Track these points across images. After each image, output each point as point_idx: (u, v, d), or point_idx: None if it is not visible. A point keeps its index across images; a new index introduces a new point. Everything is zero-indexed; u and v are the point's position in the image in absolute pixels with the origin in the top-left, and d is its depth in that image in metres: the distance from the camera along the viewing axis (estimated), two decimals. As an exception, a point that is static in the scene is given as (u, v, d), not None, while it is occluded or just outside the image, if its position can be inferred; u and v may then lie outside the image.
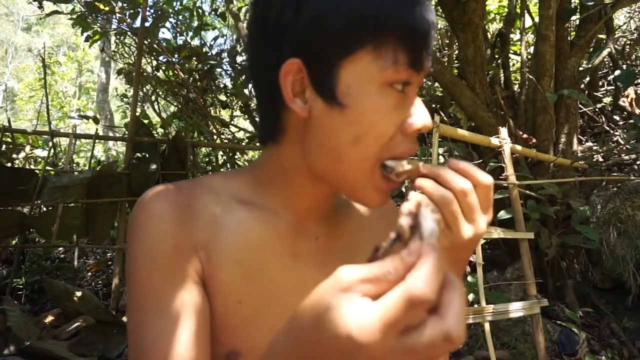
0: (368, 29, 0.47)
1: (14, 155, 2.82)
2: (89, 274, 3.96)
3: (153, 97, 4.78)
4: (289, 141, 0.55)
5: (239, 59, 4.50)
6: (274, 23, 0.51)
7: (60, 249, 4.17)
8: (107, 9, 3.50)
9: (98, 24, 3.88)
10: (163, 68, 4.43)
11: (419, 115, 0.51)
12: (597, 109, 4.34)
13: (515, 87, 4.08)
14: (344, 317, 0.31)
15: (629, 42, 5.18)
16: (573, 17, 3.40)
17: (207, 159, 5.10)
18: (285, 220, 0.58)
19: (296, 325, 0.37)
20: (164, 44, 4.32)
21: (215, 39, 5.07)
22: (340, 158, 0.51)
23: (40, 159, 4.12)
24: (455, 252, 0.48)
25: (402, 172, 0.49)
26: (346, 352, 0.31)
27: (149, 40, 3.88)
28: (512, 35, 4.48)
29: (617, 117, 4.39)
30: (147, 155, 2.86)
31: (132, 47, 4.69)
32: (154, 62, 4.38)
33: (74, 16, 3.60)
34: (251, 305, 0.55)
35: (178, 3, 4.58)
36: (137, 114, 3.16)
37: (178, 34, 4.55)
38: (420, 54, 0.49)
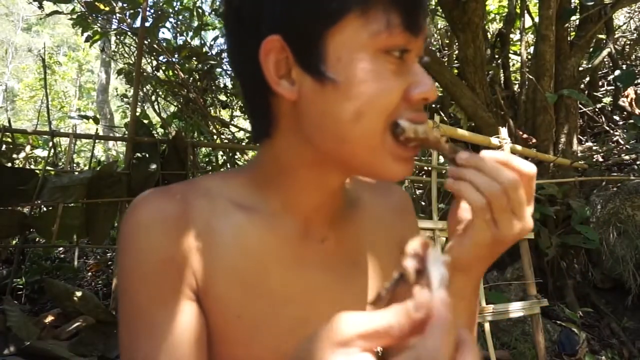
0: None
1: (14, 155, 2.82)
2: (89, 274, 3.96)
3: (153, 97, 4.78)
4: (283, 133, 0.50)
5: (239, 59, 4.49)
6: (248, 2, 0.47)
7: (60, 249, 4.17)
8: (107, 9, 3.50)
9: (98, 24, 3.88)
10: (163, 68, 4.43)
11: (424, 83, 0.46)
12: (597, 109, 4.34)
13: (515, 87, 4.08)
14: None
15: (629, 42, 5.18)
16: (573, 17, 3.40)
17: (207, 159, 5.10)
18: (287, 223, 0.54)
19: None
20: (164, 44, 4.32)
21: (215, 39, 5.07)
22: (344, 138, 0.46)
23: (40, 159, 4.12)
24: (497, 247, 0.47)
25: (414, 138, 0.45)
26: None
27: (149, 40, 3.88)
28: (512, 35, 4.48)
29: (617, 117, 4.40)
30: (147, 155, 2.86)
31: (132, 47, 4.69)
32: (154, 62, 4.38)
33: (74, 16, 3.60)
34: (251, 319, 0.51)
35: (178, 3, 4.59)
36: (137, 114, 3.16)
37: (178, 34, 4.56)
38: (416, 13, 0.45)
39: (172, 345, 0.46)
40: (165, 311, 0.47)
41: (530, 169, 0.44)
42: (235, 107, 5.01)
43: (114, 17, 3.82)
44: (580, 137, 4.08)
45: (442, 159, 3.33)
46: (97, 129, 4.04)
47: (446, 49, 5.30)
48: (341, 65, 0.44)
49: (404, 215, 0.66)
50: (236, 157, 4.64)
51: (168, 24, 4.39)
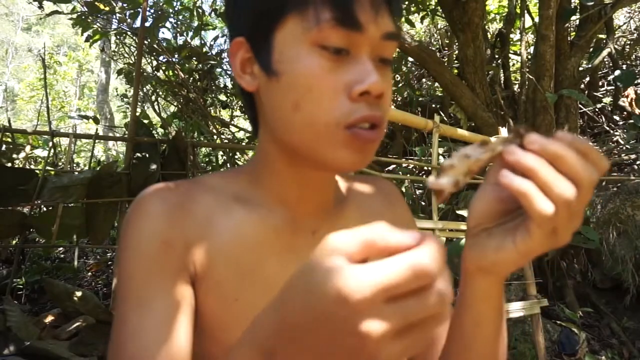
0: None
1: (14, 155, 2.82)
2: (89, 274, 3.96)
3: (153, 97, 4.78)
4: (262, 129, 0.56)
5: (239, 59, 4.49)
6: (228, 10, 0.55)
7: (60, 249, 4.17)
8: (107, 9, 3.50)
9: (98, 24, 3.88)
10: (163, 68, 4.43)
11: (365, 78, 0.47)
12: (597, 109, 4.34)
13: (515, 87, 4.08)
14: (336, 274, 0.29)
15: (629, 42, 5.18)
16: (573, 17, 3.40)
17: (207, 159, 5.10)
18: (279, 216, 0.57)
19: (283, 293, 0.35)
20: (164, 44, 4.32)
21: (215, 39, 5.07)
22: (288, 128, 0.50)
23: (40, 159, 4.12)
24: (544, 250, 0.41)
25: (456, 187, 0.37)
26: (329, 311, 0.29)
27: (149, 40, 3.88)
28: (512, 35, 4.48)
29: (617, 117, 4.40)
30: (147, 155, 2.85)
31: (132, 47, 4.69)
32: (154, 62, 4.38)
33: (74, 16, 3.60)
34: (248, 302, 0.54)
35: (178, 3, 4.59)
36: (137, 114, 3.16)
37: (178, 34, 4.55)
38: (349, 8, 0.46)
39: (160, 320, 0.48)
40: (158, 288, 0.50)
41: (604, 163, 0.37)
42: (235, 107, 5.01)
43: (114, 17, 3.82)
44: (581, 137, 4.08)
45: (441, 159, 3.33)
46: (97, 129, 4.04)
47: (446, 49, 5.30)
48: (283, 60, 0.49)
49: (392, 207, 0.68)
50: (236, 157, 4.64)
51: (168, 24, 4.39)
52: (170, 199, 0.54)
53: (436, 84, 4.93)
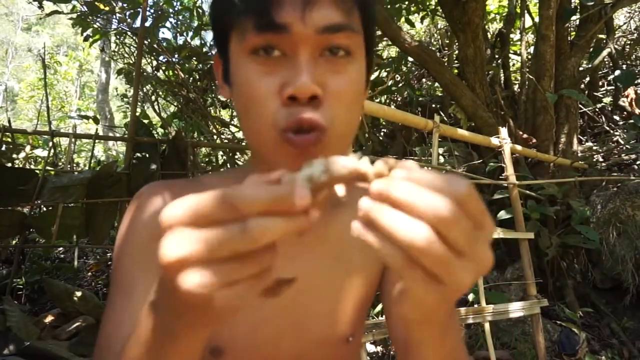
0: (226, 12, 0.51)
1: (14, 155, 2.82)
2: (89, 274, 3.96)
3: (153, 97, 4.77)
4: None
5: (239, 59, 4.50)
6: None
7: (60, 249, 4.17)
8: (107, 9, 3.49)
9: (98, 24, 3.88)
10: (163, 68, 4.43)
11: (294, 80, 0.46)
12: (597, 109, 4.34)
13: (515, 87, 4.08)
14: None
15: (629, 42, 5.18)
16: (573, 17, 3.40)
17: (207, 159, 5.10)
18: None
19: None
20: (164, 44, 4.32)
21: (215, 39, 5.06)
22: (246, 134, 0.54)
23: (40, 159, 4.12)
24: (450, 296, 0.34)
25: (319, 185, 0.32)
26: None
27: (149, 40, 3.88)
28: (512, 35, 4.48)
29: (617, 117, 4.39)
30: (147, 155, 2.85)
31: (132, 47, 4.69)
32: (154, 62, 4.38)
33: (74, 16, 3.59)
34: None
35: (178, 3, 4.58)
36: (137, 114, 3.16)
37: (178, 34, 4.55)
38: (266, 12, 0.46)
39: (140, 305, 0.48)
40: (143, 277, 0.52)
41: (462, 188, 0.30)
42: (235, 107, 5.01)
43: (114, 17, 3.82)
44: (581, 137, 4.08)
45: (442, 159, 3.33)
46: (97, 129, 4.04)
47: (446, 49, 5.29)
48: (232, 72, 0.53)
49: None
50: (236, 157, 4.64)
51: (168, 24, 4.39)
52: (166, 196, 0.56)
53: (436, 84, 4.93)
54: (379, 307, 2.56)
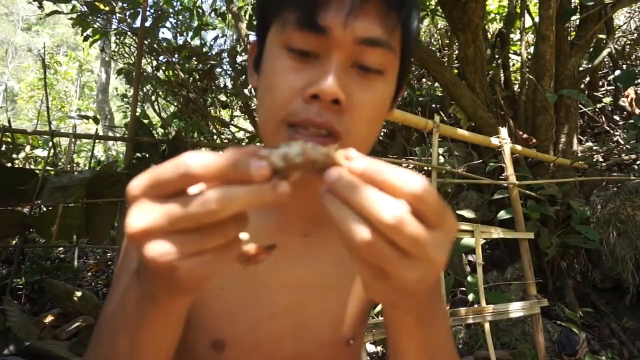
0: (272, 1, 0.51)
1: (14, 155, 2.82)
2: (89, 274, 3.96)
3: (153, 97, 4.77)
4: None
5: (239, 59, 4.50)
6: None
7: (60, 249, 4.17)
8: (107, 8, 3.49)
9: (98, 24, 3.87)
10: (163, 68, 4.43)
11: (320, 81, 0.46)
12: (597, 109, 4.34)
13: (515, 87, 4.08)
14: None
15: (629, 42, 5.18)
16: (573, 17, 3.40)
17: (207, 159, 5.09)
18: (272, 215, 0.59)
19: None
20: (164, 44, 4.32)
21: (215, 39, 5.07)
22: (260, 123, 0.53)
23: (40, 159, 4.12)
24: (407, 297, 0.35)
25: (285, 167, 0.32)
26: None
27: (149, 40, 3.88)
28: (512, 35, 4.48)
29: (617, 117, 4.39)
30: (147, 155, 2.85)
31: (132, 47, 4.69)
32: (154, 62, 4.38)
33: (74, 16, 3.59)
34: (234, 292, 0.55)
35: (178, 3, 4.58)
36: (137, 114, 3.16)
37: (178, 34, 4.55)
38: (312, 11, 0.46)
39: None
40: None
41: (416, 187, 0.29)
42: (235, 107, 5.01)
43: (114, 17, 3.82)
44: (581, 137, 4.08)
45: (442, 159, 3.33)
46: (97, 129, 4.04)
47: (446, 49, 5.29)
48: (264, 60, 0.52)
49: None
50: (236, 157, 4.63)
51: (168, 24, 4.39)
52: None
53: (436, 84, 4.93)
54: (379, 307, 2.56)
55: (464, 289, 2.74)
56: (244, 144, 4.91)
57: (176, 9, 4.47)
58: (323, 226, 0.62)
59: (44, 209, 2.77)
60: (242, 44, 4.75)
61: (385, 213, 0.29)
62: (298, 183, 0.57)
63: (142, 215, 0.29)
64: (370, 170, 0.30)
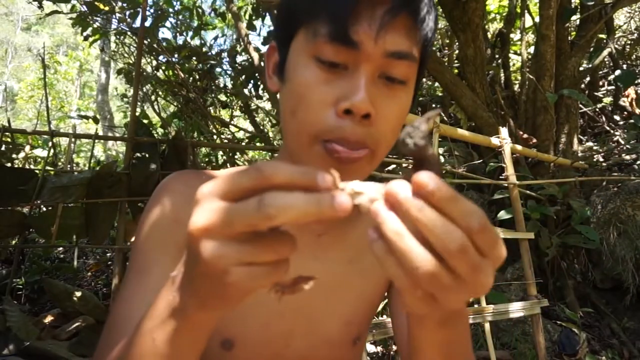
0: (301, 9, 0.51)
1: (14, 155, 2.82)
2: (89, 274, 3.96)
3: (153, 97, 4.77)
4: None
5: (239, 59, 4.50)
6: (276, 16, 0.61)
7: (60, 249, 4.17)
8: (107, 8, 3.49)
9: (98, 24, 3.87)
10: (163, 68, 4.43)
11: (351, 95, 0.47)
12: (597, 109, 4.34)
13: (515, 87, 4.08)
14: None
15: (629, 42, 5.18)
16: (573, 17, 3.40)
17: (207, 159, 5.09)
18: None
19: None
20: (164, 44, 4.32)
21: (215, 39, 5.06)
22: (286, 132, 0.53)
23: (40, 159, 4.12)
24: (445, 310, 0.36)
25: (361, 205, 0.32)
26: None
27: (148, 40, 3.88)
28: (512, 35, 4.48)
29: (617, 117, 4.39)
30: (147, 155, 2.85)
31: (131, 47, 4.69)
32: (154, 62, 4.38)
33: (74, 16, 3.59)
34: None
35: (178, 3, 4.58)
36: (137, 114, 3.16)
37: (178, 34, 4.55)
38: (343, 25, 0.46)
39: (152, 288, 0.51)
40: (159, 260, 0.54)
41: (476, 222, 0.29)
42: (235, 107, 5.01)
43: (114, 16, 3.81)
44: (581, 137, 4.08)
45: (442, 159, 3.33)
46: (96, 129, 4.04)
47: (446, 49, 5.29)
48: (290, 68, 0.52)
49: None
50: (236, 157, 4.63)
51: (168, 24, 4.39)
52: (192, 183, 0.57)
53: (436, 84, 4.93)
54: (379, 307, 2.56)
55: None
56: (243, 144, 4.91)
57: (176, 8, 4.47)
58: (336, 226, 0.62)
59: (44, 209, 2.77)
60: (242, 43, 4.75)
61: (453, 240, 0.29)
62: None
63: (204, 214, 0.31)
64: (440, 194, 0.29)
